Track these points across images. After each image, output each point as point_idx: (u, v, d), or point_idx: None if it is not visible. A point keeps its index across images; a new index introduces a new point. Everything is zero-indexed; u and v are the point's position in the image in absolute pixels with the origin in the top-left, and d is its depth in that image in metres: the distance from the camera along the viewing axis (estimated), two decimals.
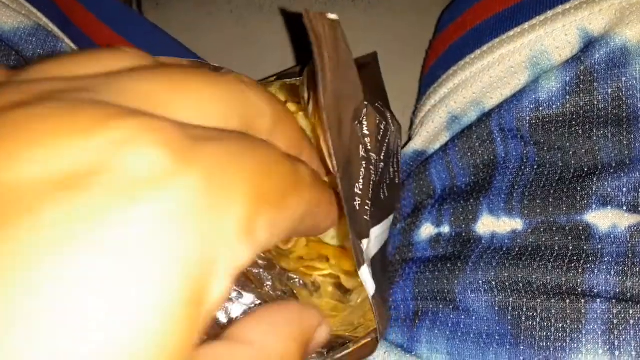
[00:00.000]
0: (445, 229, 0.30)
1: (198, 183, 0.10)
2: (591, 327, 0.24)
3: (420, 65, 0.42)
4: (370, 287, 0.23)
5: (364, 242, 0.24)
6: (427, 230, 0.30)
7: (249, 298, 0.29)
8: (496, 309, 0.26)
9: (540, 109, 0.27)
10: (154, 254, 0.09)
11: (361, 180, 0.25)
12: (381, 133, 0.28)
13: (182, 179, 0.10)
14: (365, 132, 0.27)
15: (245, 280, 0.29)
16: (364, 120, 0.27)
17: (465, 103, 0.31)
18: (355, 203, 0.24)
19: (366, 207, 0.25)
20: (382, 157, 0.28)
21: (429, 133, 0.33)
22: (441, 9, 0.42)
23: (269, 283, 0.31)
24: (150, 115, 0.11)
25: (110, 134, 0.10)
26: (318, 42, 0.20)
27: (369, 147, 0.27)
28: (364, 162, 0.25)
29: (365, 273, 0.23)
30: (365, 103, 0.27)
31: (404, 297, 0.30)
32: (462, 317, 0.27)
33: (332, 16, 0.22)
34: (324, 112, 0.20)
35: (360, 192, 0.24)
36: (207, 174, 0.11)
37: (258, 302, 0.28)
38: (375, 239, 0.25)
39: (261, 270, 0.32)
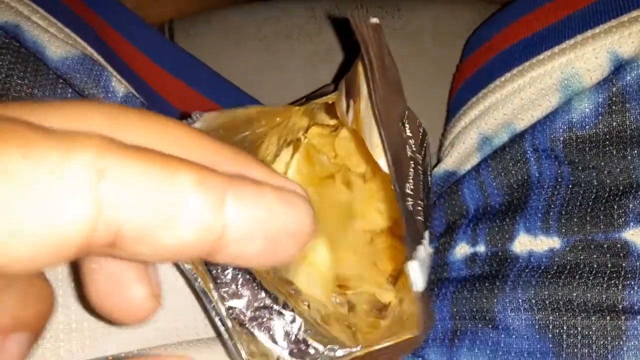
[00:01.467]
0: (481, 248, 0.30)
1: None
2: (632, 343, 0.24)
3: (444, 89, 0.43)
4: (419, 283, 0.23)
5: (423, 242, 0.24)
6: (462, 249, 0.31)
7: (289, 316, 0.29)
8: (537, 327, 0.26)
9: (574, 129, 0.28)
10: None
11: (411, 180, 0.25)
12: (421, 136, 0.28)
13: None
14: (409, 134, 0.27)
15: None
16: (406, 122, 0.27)
17: (496, 124, 0.32)
18: (408, 203, 0.24)
19: (419, 208, 0.25)
20: (422, 162, 0.28)
21: (460, 154, 0.34)
22: (465, 34, 0.43)
23: (306, 303, 0.32)
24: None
25: None
26: (365, 44, 0.21)
27: (414, 149, 0.27)
28: (412, 162, 0.26)
29: (414, 269, 0.22)
30: (407, 106, 0.28)
31: (442, 316, 0.30)
32: (502, 336, 0.27)
33: (375, 20, 0.23)
34: (376, 107, 0.21)
35: (412, 193, 0.25)
36: None
37: (300, 320, 0.29)
38: (427, 241, 0.26)
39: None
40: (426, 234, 0.27)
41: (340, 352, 0.28)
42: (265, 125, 0.31)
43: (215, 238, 0.12)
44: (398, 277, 0.33)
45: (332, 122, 0.36)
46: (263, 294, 0.28)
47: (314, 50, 0.45)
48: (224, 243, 0.12)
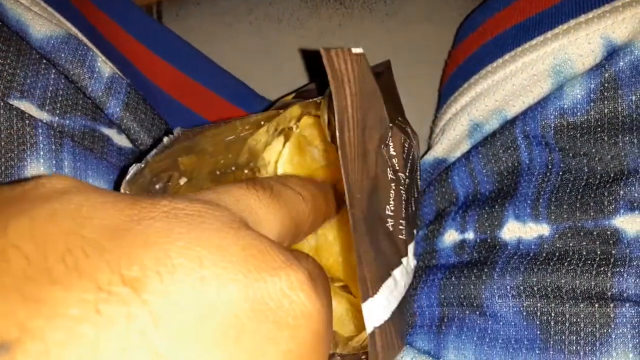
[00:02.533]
0: (470, 235, 0.30)
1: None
2: (620, 331, 0.24)
3: (436, 75, 0.43)
4: (374, 319, 0.22)
5: (403, 260, 0.24)
6: (451, 236, 0.31)
7: None
8: (524, 314, 0.26)
9: (565, 116, 0.27)
10: None
11: (392, 202, 0.25)
12: (405, 151, 0.28)
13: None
14: (392, 153, 0.27)
15: None
16: (390, 142, 0.27)
17: (487, 111, 0.32)
18: (388, 224, 0.24)
19: (400, 227, 0.25)
20: (407, 174, 0.28)
21: (450, 141, 0.34)
22: (457, 19, 0.43)
23: None
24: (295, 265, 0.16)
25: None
26: (337, 82, 0.21)
27: (397, 168, 0.27)
28: (393, 185, 0.26)
29: (370, 308, 0.22)
30: (390, 125, 0.27)
31: (429, 303, 0.30)
32: (490, 322, 0.27)
33: (357, 50, 0.23)
34: (340, 153, 0.21)
35: (392, 214, 0.25)
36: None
37: None
38: (411, 254, 0.26)
39: None
40: (410, 248, 0.27)
41: None
42: (250, 129, 0.30)
43: None
44: None
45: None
46: None
47: (305, 34, 0.44)
48: None
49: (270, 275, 0.15)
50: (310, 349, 0.15)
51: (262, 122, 0.30)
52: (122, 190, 0.22)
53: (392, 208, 0.25)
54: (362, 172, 0.23)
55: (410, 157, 0.30)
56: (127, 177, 0.22)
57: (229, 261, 0.14)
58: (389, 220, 0.24)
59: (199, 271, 0.13)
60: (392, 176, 0.26)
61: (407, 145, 0.30)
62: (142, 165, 0.22)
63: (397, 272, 0.24)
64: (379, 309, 0.21)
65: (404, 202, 0.26)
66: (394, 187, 0.26)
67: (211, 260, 0.14)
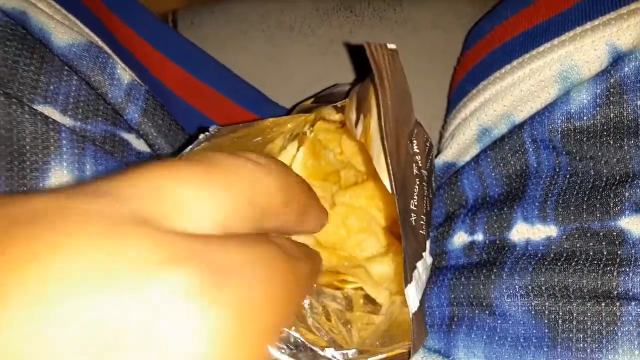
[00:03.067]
0: (479, 237, 0.30)
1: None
2: (626, 328, 0.25)
3: (445, 81, 0.44)
4: (413, 305, 0.24)
5: (424, 254, 0.25)
6: (460, 238, 0.31)
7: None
8: (533, 313, 0.27)
9: (572, 120, 0.28)
10: None
11: (415, 197, 0.26)
12: (427, 150, 0.29)
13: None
14: (416, 150, 0.28)
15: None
16: (414, 138, 0.28)
17: (495, 116, 0.32)
18: (411, 219, 0.25)
19: (421, 222, 0.26)
20: (428, 174, 0.29)
21: (460, 145, 0.34)
22: (465, 27, 0.44)
23: (307, 301, 0.32)
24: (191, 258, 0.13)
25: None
26: (379, 73, 0.22)
27: (420, 165, 0.28)
28: (417, 180, 0.27)
29: (411, 291, 0.23)
30: (416, 122, 0.28)
31: (440, 302, 0.30)
32: (499, 321, 0.28)
33: (392, 46, 0.24)
34: (385, 141, 0.22)
35: (415, 208, 0.25)
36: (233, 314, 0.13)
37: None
38: (428, 250, 0.27)
39: None
40: (427, 244, 0.28)
41: (332, 353, 0.29)
42: (277, 131, 0.31)
43: None
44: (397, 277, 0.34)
45: (338, 116, 0.36)
46: None
47: (317, 42, 0.45)
48: None
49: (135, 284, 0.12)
50: None
51: (289, 125, 0.30)
52: None
53: (415, 203, 0.26)
54: (397, 164, 0.24)
55: (430, 155, 0.31)
56: None
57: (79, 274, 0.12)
58: (412, 214, 0.25)
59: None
60: (416, 172, 0.27)
61: (428, 145, 0.31)
62: None
63: (420, 265, 0.25)
64: (413, 295, 0.23)
65: (424, 199, 0.27)
66: (417, 182, 0.27)
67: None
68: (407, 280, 0.23)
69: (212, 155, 0.16)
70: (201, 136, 0.24)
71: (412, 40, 0.45)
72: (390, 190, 0.23)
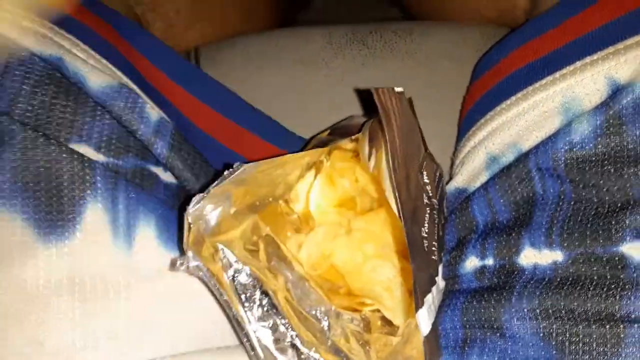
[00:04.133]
0: (490, 262, 0.32)
1: None
2: (630, 350, 0.26)
3: (455, 110, 0.45)
4: (425, 328, 0.25)
5: (437, 279, 0.26)
6: (471, 263, 0.33)
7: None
8: (541, 335, 0.28)
9: (574, 149, 0.30)
10: None
11: (426, 225, 0.28)
12: (436, 180, 0.31)
13: None
14: (426, 180, 0.30)
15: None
16: (424, 170, 0.30)
17: (503, 145, 0.34)
18: (424, 245, 0.26)
19: (433, 248, 0.27)
20: (437, 201, 0.31)
21: (470, 172, 0.36)
22: (474, 56, 0.46)
23: (326, 324, 0.34)
24: None
25: None
26: (387, 116, 0.24)
27: (430, 194, 0.30)
28: (427, 208, 0.28)
29: (422, 315, 0.25)
30: (425, 153, 0.30)
31: (453, 325, 0.32)
32: (510, 343, 0.29)
33: (398, 89, 0.26)
34: (393, 180, 0.24)
35: (426, 235, 0.27)
36: None
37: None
38: (441, 275, 0.28)
39: (318, 311, 0.34)
40: (440, 268, 0.29)
41: None
42: (295, 164, 0.33)
43: None
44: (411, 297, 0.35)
45: (352, 145, 0.38)
46: (283, 328, 0.30)
47: (330, 74, 0.47)
48: None
49: None
50: None
51: (307, 159, 0.32)
52: (185, 219, 0.25)
53: (427, 230, 0.28)
54: (407, 194, 0.26)
55: (440, 185, 0.33)
56: (190, 205, 0.25)
57: None
58: (424, 241, 0.27)
59: None
60: (427, 201, 0.29)
61: (437, 175, 0.32)
62: (205, 195, 0.26)
63: (434, 289, 0.26)
64: (424, 319, 0.24)
65: (436, 226, 0.29)
66: (428, 211, 0.28)
67: None
68: (418, 305, 0.24)
69: None
70: (225, 172, 0.26)
71: (423, 71, 0.47)
72: (398, 218, 0.24)
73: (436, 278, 0.28)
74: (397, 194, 0.24)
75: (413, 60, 0.48)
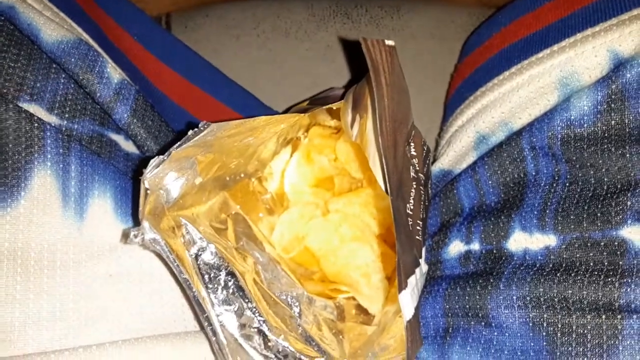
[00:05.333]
0: (476, 246, 0.30)
1: None
2: (628, 342, 0.24)
3: (441, 89, 0.43)
4: (407, 312, 0.23)
5: (420, 261, 0.24)
6: (456, 247, 0.31)
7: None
8: (530, 325, 0.26)
9: (572, 127, 0.27)
10: None
11: (412, 201, 0.25)
12: (424, 154, 0.28)
13: None
14: (413, 153, 0.27)
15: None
16: (412, 141, 0.27)
17: (493, 123, 0.32)
18: (409, 223, 0.24)
19: (418, 228, 0.25)
20: (425, 179, 0.28)
21: (457, 152, 0.34)
22: (462, 35, 0.43)
23: (297, 310, 0.31)
24: None
25: None
26: (375, 70, 0.21)
27: (417, 168, 0.27)
28: (414, 183, 0.26)
29: (405, 298, 0.23)
30: (413, 124, 0.27)
31: (434, 313, 0.30)
32: (495, 333, 0.27)
33: (390, 42, 0.23)
34: (380, 139, 0.21)
35: (411, 212, 0.25)
36: None
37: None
38: (424, 258, 0.26)
39: (289, 296, 0.32)
40: (423, 251, 0.27)
41: None
42: (269, 131, 0.30)
43: None
44: (390, 284, 0.33)
45: (333, 122, 0.36)
46: (249, 313, 0.28)
47: (312, 47, 0.45)
48: None
49: None
50: None
51: (282, 125, 0.30)
52: (141, 184, 0.22)
53: (412, 207, 0.25)
54: (394, 164, 0.23)
55: (428, 160, 0.30)
56: (147, 168, 0.22)
57: None
58: (409, 219, 0.25)
59: None
60: (413, 175, 0.26)
61: (425, 148, 0.30)
62: (165, 158, 0.23)
63: (417, 270, 0.24)
64: (408, 302, 0.22)
65: (421, 203, 0.26)
66: (414, 186, 0.26)
67: None
68: (402, 286, 0.22)
69: None
70: (190, 132, 0.24)
71: (409, 48, 0.45)
72: (383, 188, 0.22)
73: (420, 260, 0.25)
74: (383, 160, 0.21)
75: (399, 37, 0.45)
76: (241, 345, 0.27)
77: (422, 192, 0.27)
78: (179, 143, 0.23)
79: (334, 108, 0.31)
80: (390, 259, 0.33)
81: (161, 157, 0.23)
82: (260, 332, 0.28)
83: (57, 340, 0.26)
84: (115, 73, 0.30)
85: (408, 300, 0.22)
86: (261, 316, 0.28)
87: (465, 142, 0.33)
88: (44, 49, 0.29)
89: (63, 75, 0.30)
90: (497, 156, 0.30)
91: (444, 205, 0.33)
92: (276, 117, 0.29)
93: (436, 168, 0.35)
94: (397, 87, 0.24)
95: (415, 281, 0.24)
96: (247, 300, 0.28)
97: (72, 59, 0.29)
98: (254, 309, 0.28)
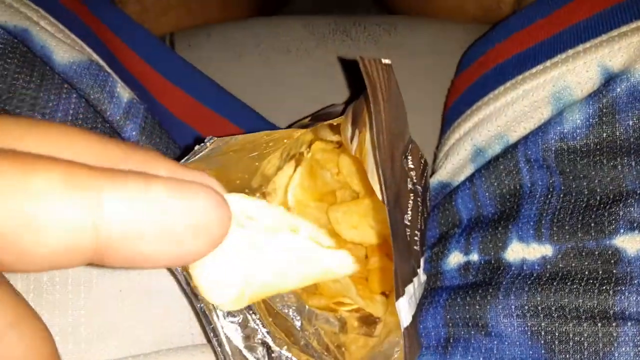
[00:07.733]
0: (474, 257, 0.30)
1: None
2: (623, 349, 0.24)
3: (439, 104, 0.44)
4: (405, 319, 0.24)
5: (418, 271, 0.25)
6: (455, 258, 0.31)
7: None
8: (529, 333, 0.27)
9: (565, 140, 0.28)
10: None
11: (409, 212, 0.26)
12: (422, 167, 0.29)
13: None
14: (411, 165, 0.28)
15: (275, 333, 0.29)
16: (409, 154, 0.28)
17: (489, 136, 0.33)
18: (406, 233, 0.25)
19: (416, 238, 0.26)
20: (423, 191, 0.29)
21: (454, 165, 0.35)
22: (458, 51, 0.44)
23: (299, 323, 0.32)
24: None
25: None
26: (372, 87, 0.22)
27: (415, 180, 0.28)
28: (411, 195, 0.27)
29: (402, 305, 0.23)
30: (411, 138, 0.28)
31: (435, 323, 0.30)
32: (495, 342, 0.28)
33: (386, 61, 0.24)
34: (377, 152, 0.22)
35: (409, 223, 0.25)
36: None
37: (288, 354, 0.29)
38: (422, 267, 0.26)
39: (291, 309, 0.32)
40: (422, 261, 0.28)
41: None
42: (273, 146, 0.31)
43: (92, 238, 0.11)
44: (388, 298, 0.33)
45: (335, 137, 0.36)
46: (253, 324, 0.28)
47: (312, 65, 0.46)
48: (108, 243, 0.11)
49: None
50: None
51: (285, 140, 0.31)
52: None
53: (410, 218, 0.26)
54: (391, 176, 0.24)
55: (425, 173, 0.31)
56: None
57: None
58: (406, 229, 0.25)
59: None
60: (411, 187, 0.27)
61: (423, 162, 0.31)
62: None
63: (415, 280, 0.25)
64: (405, 309, 0.22)
65: (419, 215, 0.27)
66: (412, 197, 0.27)
67: None
68: (399, 293, 0.23)
69: None
70: (197, 147, 0.24)
71: (407, 64, 0.46)
72: (380, 198, 0.23)
73: (418, 270, 0.26)
74: (380, 172, 0.22)
75: (397, 54, 0.46)
76: (245, 357, 0.28)
77: (419, 203, 0.28)
78: (186, 157, 0.24)
79: (335, 124, 0.32)
80: (389, 272, 0.34)
81: None
82: (264, 343, 0.28)
83: (68, 355, 0.26)
84: (124, 92, 0.31)
85: (405, 307, 0.23)
86: (265, 327, 0.29)
87: (462, 155, 0.34)
88: (56, 70, 0.30)
89: (74, 95, 0.31)
90: (493, 168, 0.31)
91: (442, 217, 0.34)
92: (279, 132, 0.30)
93: (435, 180, 0.36)
94: (393, 102, 0.25)
95: (413, 290, 0.25)
96: (251, 312, 0.29)
97: (84, 79, 0.30)
98: (258, 321, 0.29)
